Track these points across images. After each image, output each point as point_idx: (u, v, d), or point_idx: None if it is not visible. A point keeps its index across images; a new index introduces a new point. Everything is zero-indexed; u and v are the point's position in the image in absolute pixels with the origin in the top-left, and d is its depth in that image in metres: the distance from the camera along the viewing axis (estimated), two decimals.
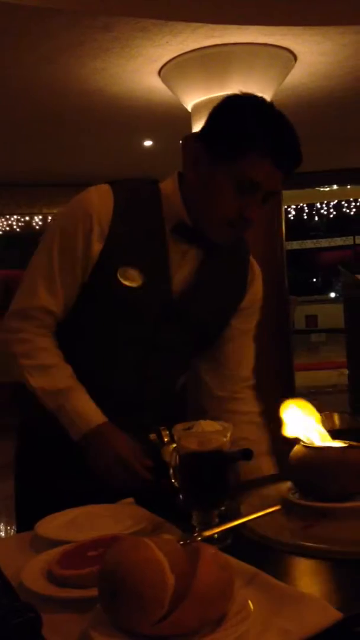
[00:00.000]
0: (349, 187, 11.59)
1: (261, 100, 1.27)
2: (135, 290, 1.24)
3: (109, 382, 1.29)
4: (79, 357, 1.28)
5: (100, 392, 1.25)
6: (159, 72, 4.33)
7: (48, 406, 1.23)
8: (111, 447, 1.18)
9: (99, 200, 1.25)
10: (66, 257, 1.25)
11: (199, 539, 0.88)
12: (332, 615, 0.70)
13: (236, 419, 1.26)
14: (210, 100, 4.16)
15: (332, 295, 14.34)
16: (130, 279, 1.24)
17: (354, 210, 12.93)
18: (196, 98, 4.24)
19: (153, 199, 1.29)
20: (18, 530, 1.30)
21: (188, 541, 0.85)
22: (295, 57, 4.22)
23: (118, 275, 1.24)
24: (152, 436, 1.15)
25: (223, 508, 0.97)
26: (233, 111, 1.26)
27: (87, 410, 1.22)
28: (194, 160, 1.27)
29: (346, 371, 6.04)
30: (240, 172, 1.20)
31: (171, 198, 1.29)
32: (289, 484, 1.09)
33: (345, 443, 1.08)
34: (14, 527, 1.20)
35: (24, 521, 1.29)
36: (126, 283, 1.24)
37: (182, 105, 4.44)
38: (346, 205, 12.87)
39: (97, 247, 1.24)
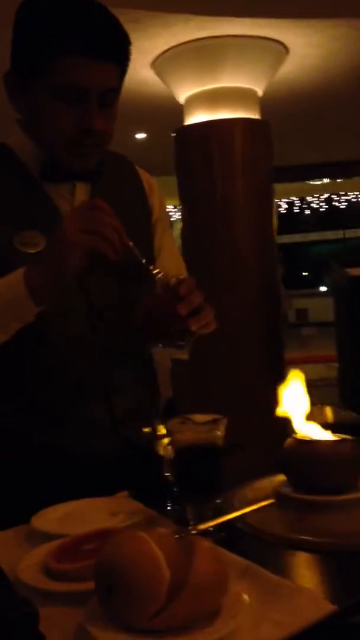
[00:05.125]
0: (339, 180, 11.60)
1: None
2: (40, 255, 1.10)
3: (65, 362, 1.17)
4: (21, 351, 1.14)
5: (58, 380, 1.17)
6: (152, 64, 4.31)
7: None
8: (51, 251, 1.04)
9: None
10: None
11: (194, 532, 0.89)
12: (325, 607, 0.71)
13: None
14: (203, 92, 4.14)
15: (323, 288, 14.39)
16: (32, 243, 1.12)
17: (344, 204, 12.95)
18: (189, 90, 4.22)
19: (7, 156, 1.19)
20: None
21: (183, 535, 0.85)
22: (287, 50, 4.21)
23: (16, 244, 1.12)
24: (146, 430, 1.15)
25: (218, 501, 0.97)
26: (20, 20, 1.11)
27: (7, 277, 1.05)
28: (11, 92, 1.14)
29: (336, 365, 6.07)
30: (55, 82, 1.06)
31: (23, 147, 1.19)
32: (281, 477, 1.10)
33: (337, 436, 1.09)
34: None
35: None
36: (29, 250, 1.12)
37: (174, 97, 4.42)
38: (337, 199, 12.88)
39: None
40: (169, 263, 1.36)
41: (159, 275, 1.08)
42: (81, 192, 1.21)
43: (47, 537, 0.91)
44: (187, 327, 1.07)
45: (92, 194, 1.22)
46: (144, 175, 1.36)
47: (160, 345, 1.14)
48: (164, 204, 1.38)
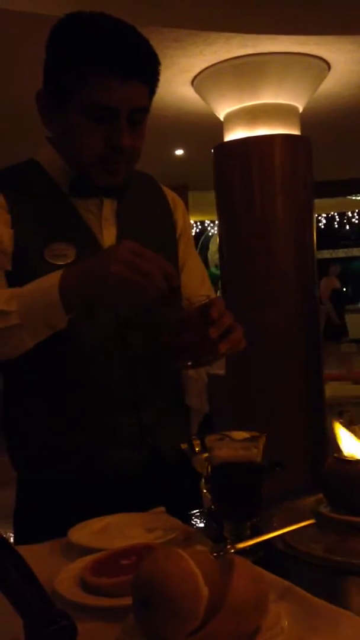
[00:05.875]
0: None
1: (77, 16, 1.13)
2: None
3: (93, 370, 1.19)
4: (51, 361, 1.16)
5: (88, 390, 1.18)
6: (192, 82, 4.36)
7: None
8: (91, 265, 1.02)
9: None
10: None
11: (232, 551, 0.87)
12: None
13: None
14: (242, 109, 4.16)
15: None
16: (62, 255, 1.15)
17: None
18: (229, 107, 4.25)
19: (37, 171, 1.23)
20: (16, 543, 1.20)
21: (221, 553, 0.84)
22: (328, 66, 4.20)
23: (46, 257, 1.14)
24: (184, 446, 1.15)
25: (255, 520, 0.96)
26: (52, 42, 1.14)
27: (41, 281, 1.05)
28: (44, 112, 1.18)
29: None
30: (86, 101, 1.09)
31: (52, 163, 1.22)
32: (321, 496, 1.08)
33: None
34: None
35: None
36: (59, 262, 1.14)
37: (214, 114, 4.45)
38: None
39: (5, 234, 1.13)
40: (194, 278, 1.39)
41: (181, 314, 1.09)
42: (108, 207, 1.24)
43: (84, 550, 0.91)
44: (216, 349, 1.07)
45: (118, 209, 1.25)
46: (169, 193, 1.40)
47: (189, 363, 1.14)
48: (187, 220, 1.42)
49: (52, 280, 1.05)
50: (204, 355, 1.11)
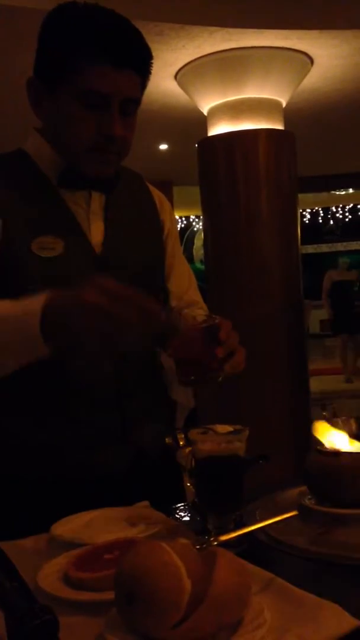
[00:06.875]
0: None
1: (72, 5, 1.13)
2: (58, 260, 1.11)
3: (76, 371, 1.16)
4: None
5: (71, 387, 1.17)
6: (175, 76, 4.34)
7: None
8: (77, 302, 0.92)
9: None
10: None
11: (215, 543, 0.88)
12: (348, 622, 0.69)
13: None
14: (226, 103, 4.16)
15: None
16: (50, 248, 1.13)
17: None
18: (212, 102, 4.24)
19: (25, 161, 1.21)
20: None
21: (204, 545, 0.84)
22: (311, 61, 4.21)
23: (34, 249, 1.12)
24: (168, 440, 1.15)
25: (239, 512, 0.96)
26: (46, 29, 1.14)
27: (22, 306, 0.97)
28: (35, 100, 1.17)
29: None
30: (80, 88, 1.09)
31: (41, 153, 1.20)
32: (304, 489, 1.09)
33: None
34: None
35: None
36: (46, 255, 1.12)
37: (198, 108, 4.45)
38: None
39: None
40: (182, 279, 1.39)
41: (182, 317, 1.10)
42: (96, 201, 1.23)
43: (67, 545, 0.91)
44: (221, 368, 1.10)
45: (106, 204, 1.25)
46: (155, 191, 1.39)
47: (192, 377, 1.15)
48: (174, 219, 1.42)
49: (34, 306, 0.95)
50: (209, 372, 1.12)
